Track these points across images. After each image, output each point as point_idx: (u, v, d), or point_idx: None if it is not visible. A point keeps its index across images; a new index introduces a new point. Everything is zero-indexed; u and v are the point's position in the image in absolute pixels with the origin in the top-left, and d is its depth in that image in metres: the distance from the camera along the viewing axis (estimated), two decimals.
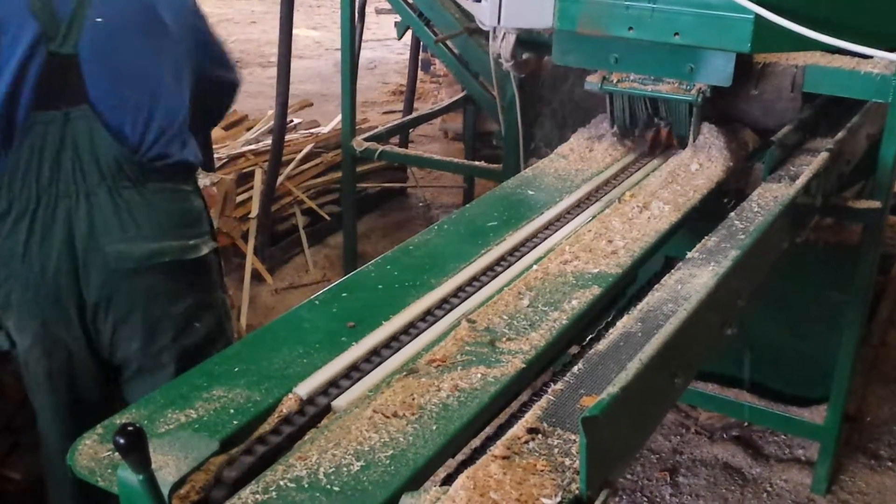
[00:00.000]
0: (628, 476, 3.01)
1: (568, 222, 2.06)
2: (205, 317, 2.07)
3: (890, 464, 3.09)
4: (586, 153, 2.50)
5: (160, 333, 2.00)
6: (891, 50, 2.06)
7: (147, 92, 1.95)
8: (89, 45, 1.88)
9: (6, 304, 1.98)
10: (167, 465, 1.10)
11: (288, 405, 1.36)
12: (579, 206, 2.15)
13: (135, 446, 0.99)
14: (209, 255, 2.08)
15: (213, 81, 2.26)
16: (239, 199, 4.32)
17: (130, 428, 0.98)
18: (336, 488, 1.17)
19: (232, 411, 1.32)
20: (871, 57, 2.17)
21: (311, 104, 5.54)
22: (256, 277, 4.30)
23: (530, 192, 2.24)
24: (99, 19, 1.89)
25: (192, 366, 1.45)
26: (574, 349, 1.72)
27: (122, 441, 0.98)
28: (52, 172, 1.87)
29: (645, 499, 2.92)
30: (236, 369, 1.43)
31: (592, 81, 2.48)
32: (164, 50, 1.99)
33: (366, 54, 7.13)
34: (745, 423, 3.25)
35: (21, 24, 1.84)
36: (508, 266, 1.85)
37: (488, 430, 1.43)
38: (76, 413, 2.02)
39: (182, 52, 2.05)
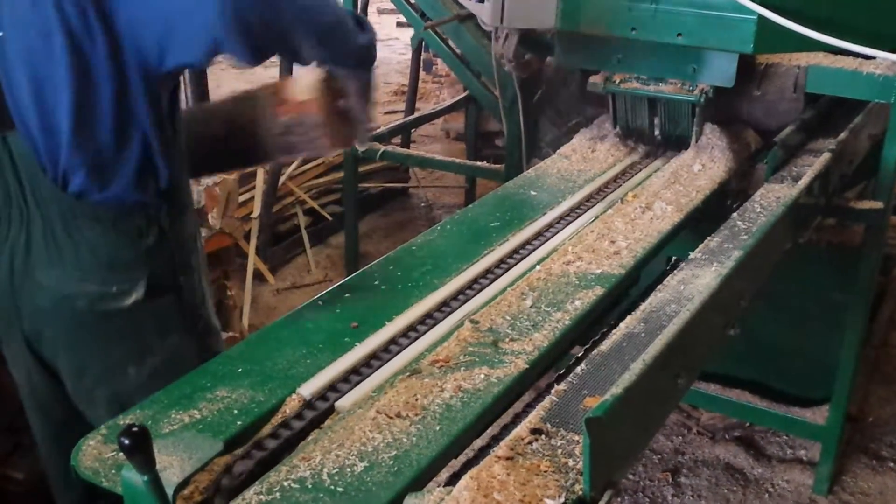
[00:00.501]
0: (630, 476, 3.01)
1: (570, 223, 2.06)
2: (139, 366, 1.76)
3: (892, 464, 3.09)
4: (589, 153, 2.50)
5: (87, 377, 1.77)
6: (893, 51, 2.06)
7: (49, 115, 1.59)
8: (1, 63, 1.59)
9: None
10: (171, 466, 1.10)
11: (291, 406, 1.36)
12: (582, 207, 2.16)
13: (139, 447, 0.99)
14: (142, 303, 1.70)
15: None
16: (241, 199, 4.32)
17: (135, 428, 0.98)
18: (340, 489, 1.18)
19: (236, 412, 1.32)
20: (873, 58, 2.17)
21: None
22: (258, 277, 4.31)
23: (533, 193, 2.24)
24: (0, 33, 1.58)
25: (130, 407, 1.38)
26: (577, 350, 1.72)
27: (126, 441, 0.98)
28: (4, 195, 1.70)
29: (647, 499, 2.93)
30: (240, 370, 1.43)
31: (595, 82, 2.49)
32: (58, 63, 1.56)
33: None
34: (747, 424, 3.25)
35: None
36: (511, 266, 1.85)
37: (491, 431, 1.43)
38: (48, 428, 1.88)
39: (89, 60, 1.57)
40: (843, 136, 2.40)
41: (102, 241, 1.65)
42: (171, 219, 1.70)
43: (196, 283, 1.80)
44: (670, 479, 3.01)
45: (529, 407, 1.43)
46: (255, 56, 1.56)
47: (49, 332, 1.72)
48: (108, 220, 1.64)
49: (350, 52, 1.73)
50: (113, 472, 1.19)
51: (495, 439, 1.35)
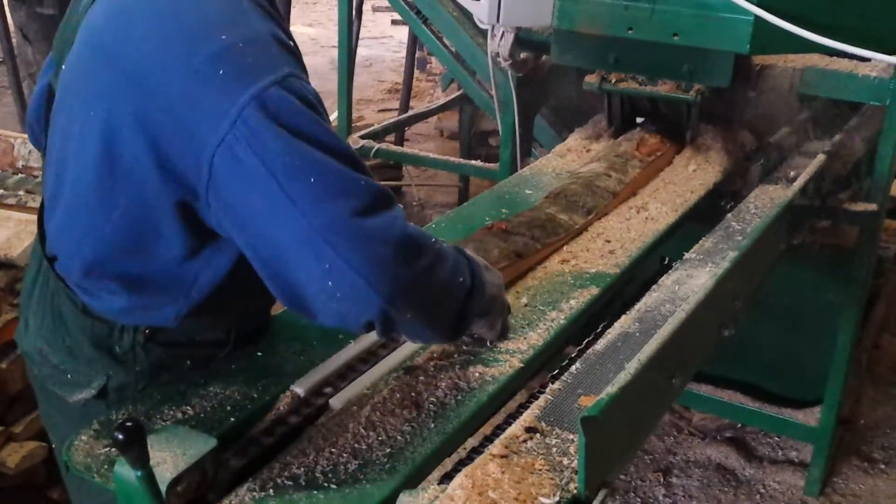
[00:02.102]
0: (622, 476, 3.01)
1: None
2: None
3: (883, 466, 3.09)
4: (583, 153, 2.50)
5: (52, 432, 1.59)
6: (888, 53, 2.06)
7: (59, 186, 1.36)
8: (58, 92, 1.38)
9: None
10: (165, 462, 1.10)
11: (285, 403, 1.36)
12: None
13: (134, 442, 0.99)
14: (90, 402, 1.41)
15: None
16: None
17: (129, 423, 0.98)
18: (333, 486, 1.17)
19: (229, 408, 1.32)
20: (868, 60, 2.17)
21: None
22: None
23: (528, 192, 2.23)
24: (63, 66, 1.36)
25: None
26: (571, 349, 1.72)
27: (121, 437, 0.97)
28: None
29: (638, 499, 2.93)
30: (233, 366, 1.43)
31: (591, 81, 2.48)
32: (89, 133, 1.26)
33: (361, 52, 7.11)
34: (739, 425, 3.25)
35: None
36: (507, 265, 1.84)
37: (486, 429, 1.42)
38: None
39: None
40: (837, 137, 2.41)
41: (73, 325, 1.41)
42: (159, 339, 1.40)
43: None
44: (662, 480, 3.01)
45: (522, 407, 1.43)
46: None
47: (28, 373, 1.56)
48: (80, 309, 1.40)
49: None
50: (105, 467, 1.18)
51: (487, 440, 1.35)
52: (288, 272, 1.17)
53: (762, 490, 2.97)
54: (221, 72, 1.14)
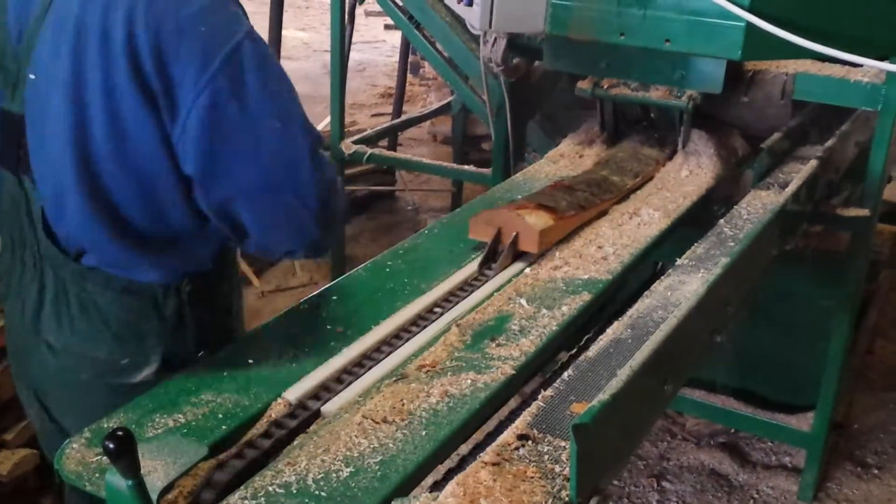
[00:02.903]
0: (615, 482, 3.00)
1: (496, 274, 2.01)
2: None
3: (876, 471, 3.10)
4: (576, 158, 2.50)
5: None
6: (880, 58, 2.07)
7: (66, 175, 1.42)
8: (27, 105, 1.45)
9: None
10: (156, 470, 1.09)
11: (277, 410, 1.35)
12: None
13: (124, 451, 0.98)
14: (153, 379, 1.52)
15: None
16: None
17: (120, 432, 0.97)
18: (325, 494, 1.17)
19: (220, 416, 1.31)
20: (860, 65, 2.18)
21: None
22: (243, 280, 4.29)
23: (520, 197, 2.23)
24: (32, 76, 1.44)
25: None
26: (564, 356, 1.72)
27: (111, 446, 0.97)
28: (20, 235, 1.55)
29: None
30: (225, 374, 1.42)
31: (583, 87, 2.49)
32: (88, 125, 1.39)
33: (354, 56, 7.11)
34: (732, 430, 3.26)
35: None
36: (499, 271, 1.84)
37: (477, 437, 1.42)
38: None
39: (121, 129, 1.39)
40: (830, 143, 2.41)
41: (113, 308, 1.50)
42: (196, 292, 1.54)
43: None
44: (655, 485, 3.01)
45: (514, 414, 1.42)
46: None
47: (54, 395, 1.59)
48: (120, 289, 1.49)
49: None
50: (96, 475, 1.18)
51: (478, 447, 1.34)
52: (244, 210, 1.44)
53: (755, 495, 2.97)
54: (203, 28, 1.35)
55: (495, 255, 1.86)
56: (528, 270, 1.83)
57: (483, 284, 1.79)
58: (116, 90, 1.36)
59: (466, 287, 1.78)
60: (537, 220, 1.89)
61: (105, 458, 1.15)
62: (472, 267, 1.83)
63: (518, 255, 1.89)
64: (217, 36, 1.36)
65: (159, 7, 1.35)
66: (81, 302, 1.50)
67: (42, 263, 1.52)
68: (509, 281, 1.79)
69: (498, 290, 1.75)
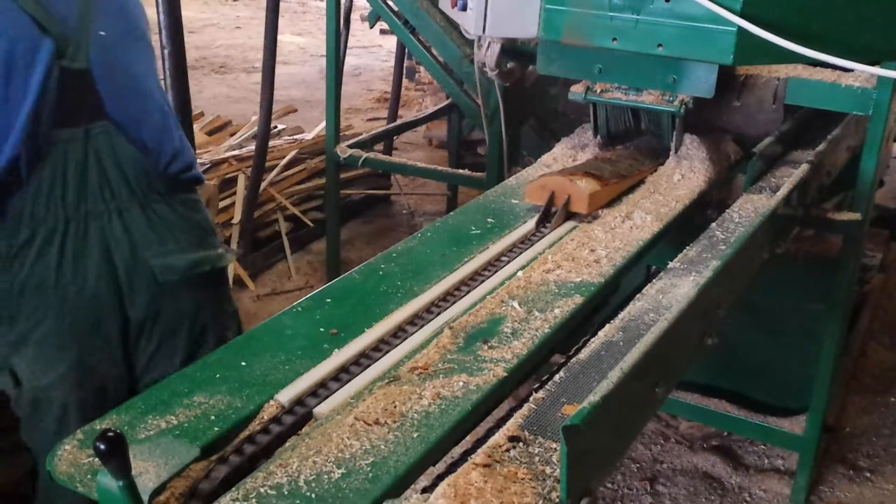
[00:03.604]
0: (608, 485, 3.01)
1: (551, 231, 2.06)
2: (233, 323, 2.13)
3: (869, 474, 3.11)
4: (570, 162, 2.51)
5: (203, 346, 2.02)
6: (871, 63, 2.08)
7: (152, 104, 1.95)
8: (98, 59, 1.84)
9: (23, 340, 1.86)
10: (147, 472, 1.10)
11: (269, 412, 1.36)
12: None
13: (115, 452, 0.99)
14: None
15: None
16: (222, 204, 4.31)
17: (111, 433, 0.98)
18: (316, 496, 1.17)
19: (213, 418, 1.32)
20: (852, 70, 2.19)
21: (296, 110, 5.55)
22: (238, 283, 4.29)
23: (514, 201, 2.24)
24: (102, 33, 1.84)
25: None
26: (557, 358, 1.73)
27: (102, 446, 0.97)
28: (78, 192, 1.82)
29: None
30: (217, 375, 1.43)
31: (576, 91, 2.50)
32: (150, 63, 2.01)
33: (351, 61, 7.13)
34: (725, 433, 3.27)
35: (33, 43, 1.77)
36: (491, 274, 1.85)
37: (470, 439, 1.43)
38: None
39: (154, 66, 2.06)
40: (821, 147, 2.42)
41: (196, 211, 2.00)
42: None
43: None
44: (648, 488, 3.02)
45: (507, 416, 1.43)
46: None
47: (171, 309, 1.93)
48: (192, 192, 2.00)
49: None
50: (88, 477, 1.18)
51: (471, 449, 1.35)
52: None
53: (748, 498, 2.98)
54: None
55: (549, 215, 2.10)
56: (520, 273, 1.83)
57: (476, 287, 1.79)
58: None
59: (459, 290, 1.78)
60: (587, 184, 2.13)
61: (96, 459, 1.17)
62: (464, 270, 1.84)
63: (569, 216, 2.11)
64: None
65: None
66: (176, 213, 1.94)
67: (118, 204, 1.85)
68: (502, 284, 1.79)
69: (490, 292, 1.75)
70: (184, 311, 1.97)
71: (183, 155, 1.99)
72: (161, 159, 1.93)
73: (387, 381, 1.44)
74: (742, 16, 2.00)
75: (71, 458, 1.22)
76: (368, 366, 1.49)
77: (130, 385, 1.99)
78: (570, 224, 2.09)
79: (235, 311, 2.19)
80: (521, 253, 1.95)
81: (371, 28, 4.08)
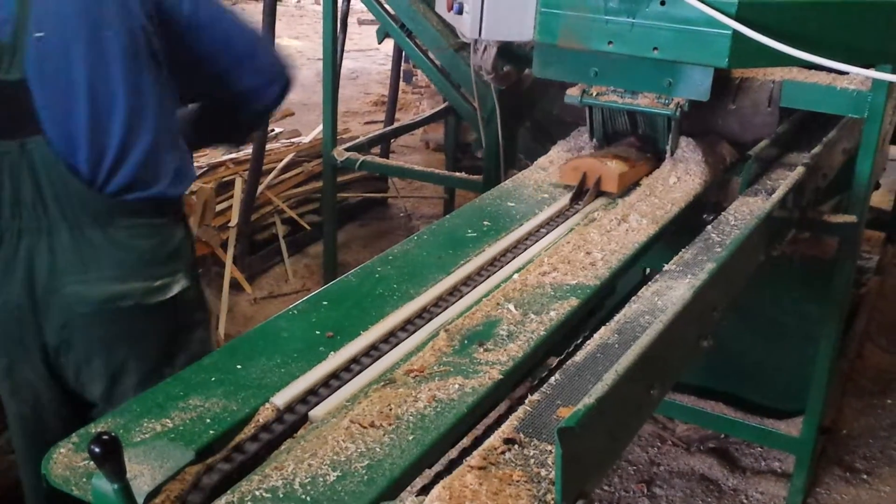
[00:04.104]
0: (605, 487, 3.01)
1: (547, 234, 2.07)
2: (177, 358, 1.87)
3: (865, 476, 3.11)
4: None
5: (125, 377, 1.82)
6: (866, 66, 2.08)
7: (101, 115, 1.69)
8: (34, 66, 1.64)
9: None
10: (142, 475, 1.10)
11: (265, 415, 1.36)
12: (558, 218, 2.16)
13: (110, 455, 0.99)
14: (183, 292, 1.85)
15: (237, 92, 1.99)
16: (218, 207, 4.31)
17: (106, 437, 0.98)
18: (312, 498, 1.17)
19: (208, 421, 1.32)
20: (847, 73, 2.19)
21: (293, 113, 5.54)
22: (235, 286, 4.29)
23: (510, 204, 2.24)
24: (39, 34, 1.64)
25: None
26: (552, 360, 1.73)
27: (97, 450, 0.97)
28: (12, 206, 1.68)
29: None
30: (213, 379, 1.43)
31: (572, 94, 2.50)
32: (114, 62, 1.69)
33: (348, 64, 7.14)
34: (722, 435, 3.27)
35: None
36: (487, 277, 1.86)
37: (465, 441, 1.43)
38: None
39: (142, 63, 1.73)
40: (817, 150, 2.43)
41: (141, 237, 1.75)
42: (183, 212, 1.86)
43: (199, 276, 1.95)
44: (645, 490, 3.02)
45: (503, 418, 1.43)
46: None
47: (82, 338, 1.73)
48: (145, 217, 1.75)
49: None
50: (84, 480, 1.18)
51: (467, 451, 1.35)
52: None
53: (745, 500, 2.99)
54: None
55: (581, 194, 2.27)
56: (516, 276, 1.84)
57: (472, 290, 1.79)
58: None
59: (455, 292, 1.78)
60: (616, 165, 2.31)
61: (92, 462, 1.17)
62: (460, 273, 1.84)
63: (599, 194, 2.28)
64: None
65: None
66: (109, 238, 1.70)
67: (49, 221, 1.67)
68: (498, 286, 1.79)
69: (486, 295, 1.76)
70: (96, 345, 1.76)
71: (151, 182, 1.76)
72: (102, 183, 1.70)
73: (382, 383, 1.44)
74: (737, 19, 2.00)
75: (66, 461, 1.22)
76: (364, 369, 1.49)
77: (68, 399, 1.85)
78: (601, 201, 2.27)
79: (204, 339, 1.98)
80: (517, 255, 1.95)
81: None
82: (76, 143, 1.67)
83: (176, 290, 1.81)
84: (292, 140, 5.21)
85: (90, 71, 1.66)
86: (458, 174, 4.10)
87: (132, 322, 1.76)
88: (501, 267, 1.90)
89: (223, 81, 1.94)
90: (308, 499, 1.17)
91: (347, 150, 4.05)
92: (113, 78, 1.68)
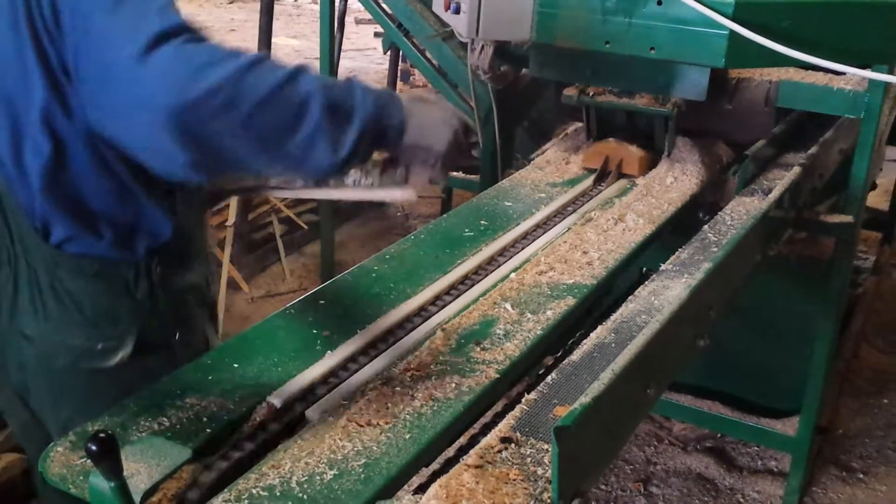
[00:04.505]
0: (602, 486, 3.02)
1: (544, 233, 2.07)
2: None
3: (861, 476, 3.12)
4: (563, 165, 2.51)
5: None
6: (863, 66, 2.09)
7: (31, 157, 1.38)
8: None
9: None
10: (139, 473, 1.10)
11: (261, 414, 1.36)
12: (555, 218, 2.17)
13: (107, 453, 0.99)
14: (129, 362, 1.53)
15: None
16: (215, 207, 4.31)
17: (102, 435, 0.98)
18: (308, 497, 1.18)
19: (205, 419, 1.32)
20: (843, 73, 2.20)
21: None
22: (233, 286, 4.29)
23: (507, 203, 2.25)
24: None
25: None
26: (549, 360, 1.73)
27: (94, 448, 0.98)
28: None
29: None
30: (210, 377, 1.43)
31: (570, 94, 2.51)
32: (48, 105, 1.34)
33: (345, 63, 7.13)
34: (719, 435, 3.27)
35: None
36: (484, 276, 1.86)
37: (463, 440, 1.43)
38: None
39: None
40: (813, 150, 2.44)
41: (86, 294, 1.48)
42: (167, 271, 1.52)
43: (196, 339, 1.64)
44: (642, 489, 3.02)
45: (499, 417, 1.43)
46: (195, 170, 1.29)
47: (34, 386, 1.58)
48: (91, 273, 1.46)
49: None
50: (81, 478, 1.18)
51: (464, 450, 1.36)
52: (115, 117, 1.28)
53: (741, 500, 2.99)
54: None
55: (604, 175, 2.41)
56: (513, 275, 1.84)
57: (469, 289, 1.80)
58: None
59: (452, 292, 1.79)
60: (637, 150, 2.44)
61: (89, 460, 1.17)
62: (457, 272, 1.84)
63: (621, 177, 2.42)
64: None
65: None
66: (55, 289, 1.47)
67: (15, 255, 1.48)
68: (495, 286, 1.80)
69: (483, 294, 1.76)
70: (45, 395, 1.58)
71: (92, 238, 1.45)
72: (38, 227, 1.44)
73: (379, 382, 1.44)
74: (733, 19, 2.01)
75: (63, 459, 1.22)
76: (361, 367, 1.50)
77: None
78: (620, 184, 2.39)
79: None
80: (514, 255, 1.95)
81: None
82: (13, 185, 1.42)
83: (119, 357, 1.52)
84: None
85: (12, 108, 1.37)
86: (455, 173, 4.09)
87: (73, 381, 1.54)
88: (498, 266, 1.90)
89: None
90: (305, 497, 1.17)
91: None
92: (31, 119, 1.35)
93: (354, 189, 1.49)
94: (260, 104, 1.23)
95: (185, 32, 1.25)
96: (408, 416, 1.36)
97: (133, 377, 1.49)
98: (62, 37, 1.29)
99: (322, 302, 1.71)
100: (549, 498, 1.16)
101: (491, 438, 1.29)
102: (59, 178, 1.39)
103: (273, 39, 4.09)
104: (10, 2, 1.31)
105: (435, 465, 1.38)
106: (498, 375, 1.49)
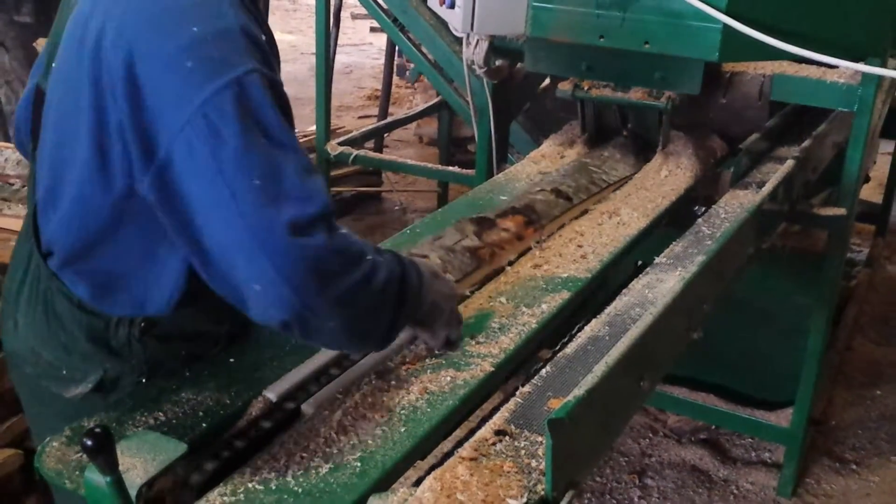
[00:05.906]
0: (597, 478, 3.03)
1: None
2: None
3: (855, 467, 3.13)
4: (558, 158, 2.52)
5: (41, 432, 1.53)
6: (856, 60, 2.10)
7: (58, 180, 1.38)
8: (49, 86, 1.41)
9: None
10: (135, 467, 1.10)
11: (257, 408, 1.36)
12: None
13: (102, 448, 0.99)
14: (87, 397, 1.44)
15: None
16: None
17: (98, 430, 0.99)
18: (304, 490, 1.18)
19: (201, 414, 1.32)
20: (836, 67, 2.21)
21: None
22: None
23: (502, 197, 2.25)
24: (54, 65, 1.40)
25: None
26: (545, 353, 1.74)
27: (89, 443, 0.98)
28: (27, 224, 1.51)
29: (614, 501, 2.95)
30: (206, 372, 1.43)
31: (564, 88, 2.51)
32: (84, 129, 1.28)
33: (341, 59, 7.12)
34: (713, 427, 3.29)
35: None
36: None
37: (459, 433, 1.44)
38: None
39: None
40: (806, 143, 2.44)
41: (70, 320, 1.43)
42: (150, 330, 1.42)
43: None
44: (637, 481, 3.04)
45: (495, 410, 1.44)
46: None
47: (20, 391, 1.59)
48: (77, 304, 1.42)
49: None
50: (77, 473, 1.18)
51: (460, 443, 1.36)
52: (223, 268, 1.19)
53: (736, 491, 3.00)
54: (189, 64, 1.16)
55: None
56: (508, 268, 1.84)
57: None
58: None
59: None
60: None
61: (85, 455, 1.17)
62: None
63: None
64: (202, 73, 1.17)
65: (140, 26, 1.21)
66: (46, 302, 1.45)
67: (31, 252, 1.48)
68: (490, 279, 1.80)
69: (478, 288, 1.77)
70: (26, 400, 1.59)
71: (77, 277, 1.41)
72: (44, 246, 1.44)
73: (374, 376, 1.45)
74: (727, 13, 2.01)
75: (59, 454, 1.22)
76: (356, 362, 1.50)
77: None
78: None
79: None
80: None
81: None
82: (37, 196, 1.43)
83: (77, 391, 1.44)
84: None
85: (67, 128, 1.34)
86: (451, 168, 4.10)
87: (37, 389, 1.51)
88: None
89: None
90: (300, 491, 1.18)
91: (341, 144, 4.05)
92: (81, 146, 1.31)
93: None
94: (368, 309, 1.25)
95: (331, 216, 1.21)
96: (403, 410, 1.36)
97: (89, 411, 1.37)
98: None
99: None
100: (543, 490, 1.16)
101: (485, 431, 1.30)
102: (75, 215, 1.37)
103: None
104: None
105: (431, 459, 1.38)
106: (493, 369, 1.50)
